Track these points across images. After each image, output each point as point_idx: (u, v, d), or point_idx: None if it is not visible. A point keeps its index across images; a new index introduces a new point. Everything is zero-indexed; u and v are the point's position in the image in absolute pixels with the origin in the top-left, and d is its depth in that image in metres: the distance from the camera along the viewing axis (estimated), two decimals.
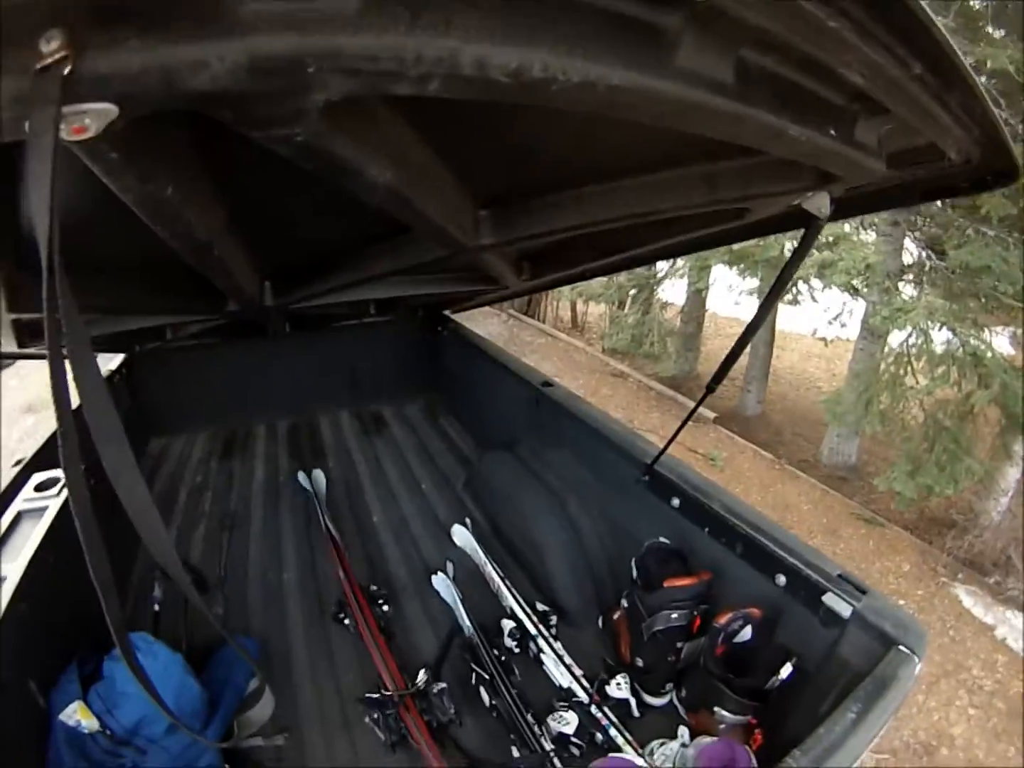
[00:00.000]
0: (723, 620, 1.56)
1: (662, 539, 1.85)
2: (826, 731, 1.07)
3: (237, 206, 1.17)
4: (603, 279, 8.00)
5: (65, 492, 1.62)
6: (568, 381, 6.08)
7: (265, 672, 1.70)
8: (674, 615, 1.66)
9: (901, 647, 1.24)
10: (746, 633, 1.58)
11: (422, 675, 1.65)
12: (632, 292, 8.41)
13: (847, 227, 5.05)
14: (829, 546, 4.42)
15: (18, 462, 1.91)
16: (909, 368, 4.71)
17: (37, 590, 1.34)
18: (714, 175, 1.21)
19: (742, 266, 5.73)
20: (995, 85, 4.40)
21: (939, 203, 4.92)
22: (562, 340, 9.18)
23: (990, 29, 4.87)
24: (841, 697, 1.16)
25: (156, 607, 1.77)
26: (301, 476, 2.73)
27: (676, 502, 1.84)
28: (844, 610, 1.36)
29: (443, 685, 1.61)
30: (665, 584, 1.68)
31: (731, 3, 0.58)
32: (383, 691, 1.61)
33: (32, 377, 6.70)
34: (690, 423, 5.78)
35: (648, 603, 1.70)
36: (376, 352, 3.33)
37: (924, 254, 5.20)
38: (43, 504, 1.58)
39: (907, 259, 5.60)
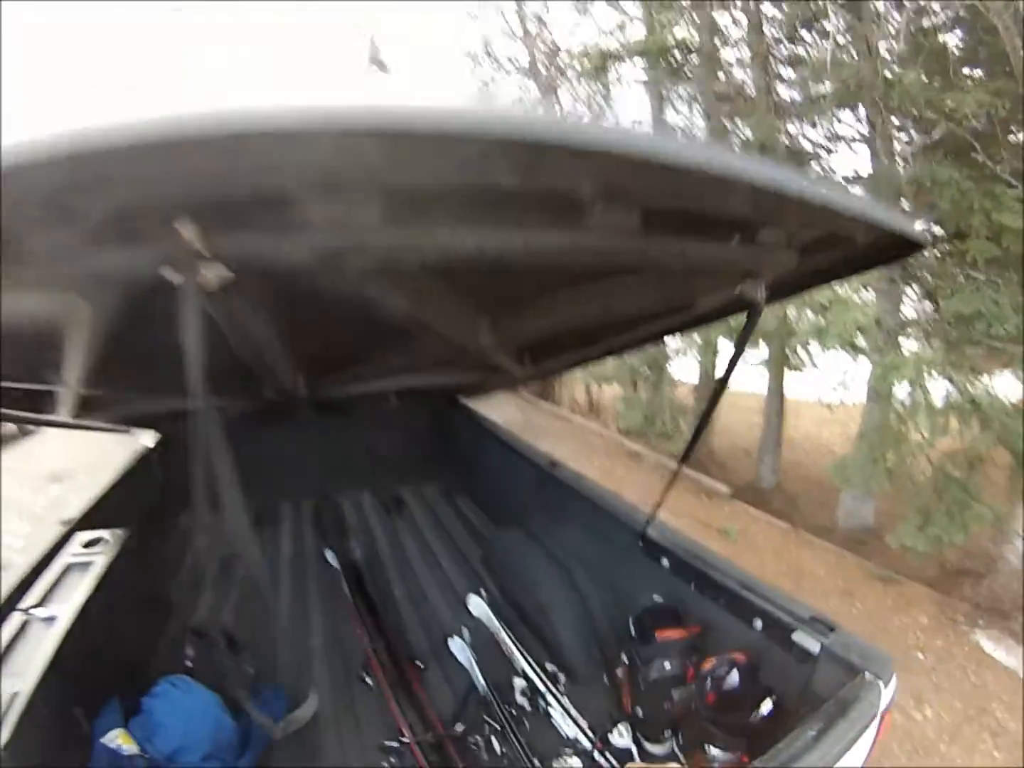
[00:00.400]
0: (708, 666, 1.71)
1: (656, 597, 2.03)
2: (785, 746, 1.20)
3: (289, 322, 1.51)
4: (615, 361, 8.35)
5: (112, 549, 1.90)
6: (584, 463, 6.26)
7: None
8: (667, 664, 1.81)
9: (865, 673, 1.38)
10: (734, 678, 1.71)
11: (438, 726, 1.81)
12: (644, 372, 8.70)
13: (840, 291, 5.28)
14: (845, 607, 4.40)
15: (66, 521, 2.17)
16: (911, 423, 4.78)
17: (85, 632, 1.57)
18: (660, 278, 1.50)
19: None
20: (968, 129, 4.65)
21: (931, 253, 5.17)
22: (577, 423, 9.44)
23: (966, 70, 5.15)
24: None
25: (189, 663, 1.95)
26: (328, 553, 2.94)
27: (666, 563, 2.03)
28: (813, 646, 1.51)
29: (459, 729, 1.77)
30: (657, 636, 1.85)
31: (629, 181, 0.87)
32: (401, 739, 1.77)
33: (58, 447, 7.09)
34: (705, 499, 5.95)
35: (643, 655, 1.85)
36: (396, 437, 3.61)
37: (923, 307, 5.40)
38: (90, 559, 1.84)
39: (912, 313, 5.79)
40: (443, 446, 3.73)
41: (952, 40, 5.53)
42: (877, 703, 1.32)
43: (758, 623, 1.68)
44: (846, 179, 6.42)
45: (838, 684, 1.40)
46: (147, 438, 3.08)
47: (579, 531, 2.49)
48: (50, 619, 1.55)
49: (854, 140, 6.45)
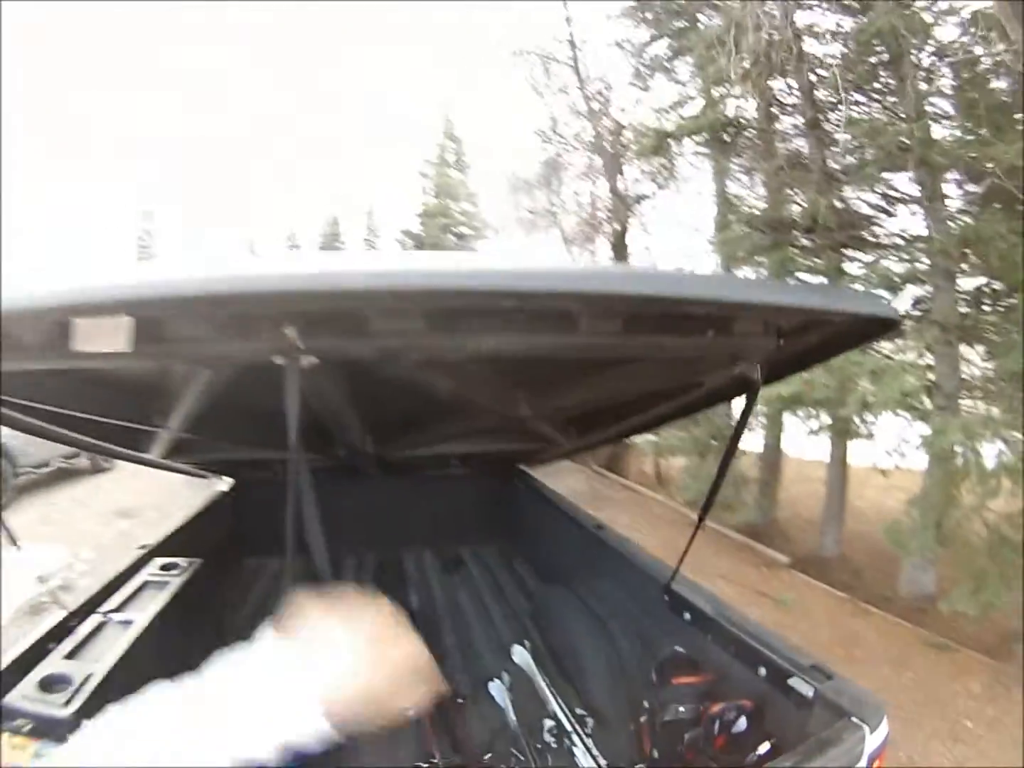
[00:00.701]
0: (716, 709, 1.85)
1: (677, 648, 2.19)
2: None
3: (360, 394, 1.90)
4: (681, 433, 8.43)
5: (186, 574, 2.25)
6: (645, 534, 6.30)
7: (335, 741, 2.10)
8: (681, 708, 1.95)
9: (851, 717, 1.47)
10: (741, 724, 1.85)
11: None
12: (711, 444, 8.70)
13: (895, 355, 5.23)
14: (895, 676, 4.23)
15: (143, 546, 2.53)
16: (963, 485, 4.65)
17: (155, 637, 1.88)
18: (659, 365, 1.78)
19: (802, 411, 6.02)
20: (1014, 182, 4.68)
21: (986, 308, 5.08)
22: (643, 494, 9.54)
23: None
24: None
25: None
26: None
27: (687, 615, 2.19)
28: (808, 691, 1.63)
29: (486, 758, 1.97)
30: (673, 681, 2.00)
31: (605, 304, 1.16)
32: (431, 760, 1.98)
33: (127, 484, 7.69)
34: (764, 568, 5.98)
35: (660, 698, 2.01)
36: (459, 500, 3.87)
37: (977, 367, 5.30)
38: (166, 580, 2.20)
39: (976, 372, 5.72)
40: (503, 511, 3.96)
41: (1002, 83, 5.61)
42: (860, 746, 1.41)
43: (762, 670, 1.82)
44: (903, 240, 6.45)
45: (828, 728, 1.48)
46: (223, 484, 3.51)
47: (615, 585, 2.68)
48: (126, 622, 1.88)
49: (908, 201, 6.50)
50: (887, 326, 1.50)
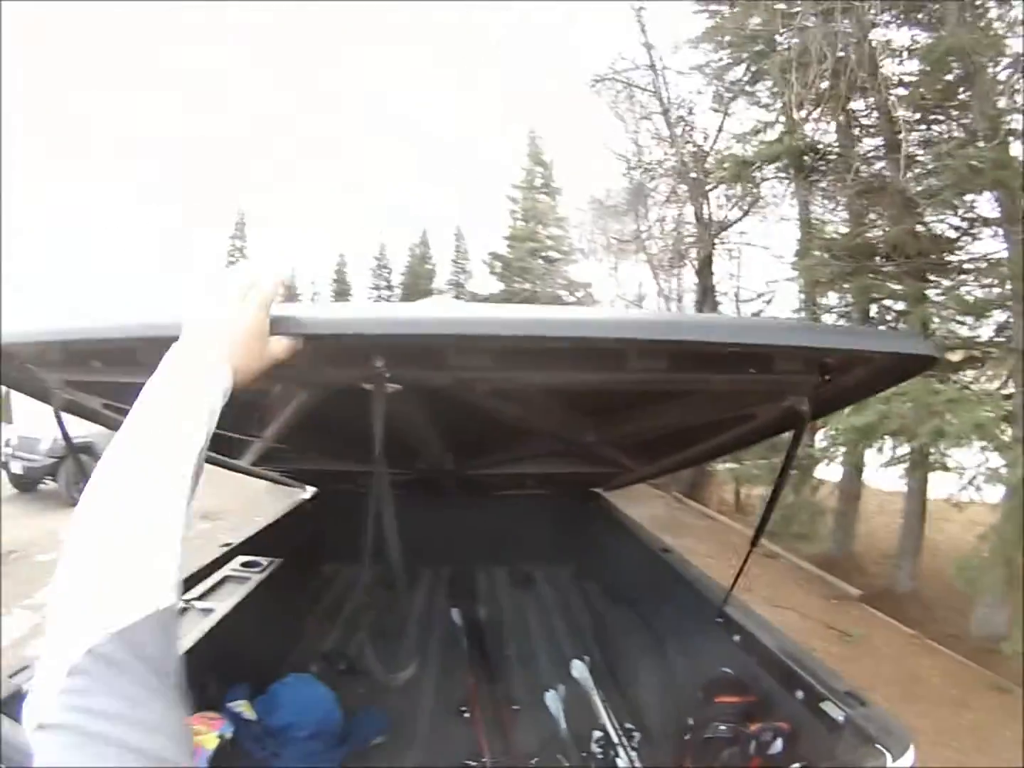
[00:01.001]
0: (754, 728, 1.94)
1: (725, 669, 2.28)
2: None
3: (438, 416, 2.16)
4: (760, 461, 8.28)
5: (266, 572, 2.50)
6: (720, 562, 6.28)
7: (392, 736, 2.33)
8: (721, 727, 2.05)
9: (876, 744, 1.52)
10: (778, 745, 1.93)
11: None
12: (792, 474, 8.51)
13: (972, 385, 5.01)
14: (953, 717, 4.01)
15: (226, 544, 2.80)
16: None
17: (233, 625, 2.11)
18: (707, 399, 1.91)
19: (878, 442, 5.87)
20: None
21: None
22: (720, 522, 9.51)
23: None
24: None
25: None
26: (454, 611, 3.44)
27: (737, 638, 2.29)
28: (839, 716, 1.70)
29: (533, 762, 2.13)
30: (716, 700, 2.11)
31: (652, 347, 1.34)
32: (481, 760, 2.16)
33: (209, 490, 8.19)
34: (834, 601, 5.92)
35: (702, 715, 2.11)
36: (531, 519, 4.00)
37: None
38: (247, 575, 2.46)
39: None
40: (576, 531, 4.08)
41: None
42: None
43: (800, 694, 1.90)
44: (986, 264, 6.20)
45: (855, 753, 1.54)
46: (307, 492, 3.82)
47: (675, 608, 2.78)
48: (207, 610, 2.13)
49: (992, 224, 6.25)
50: (928, 362, 1.52)
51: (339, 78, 71.68)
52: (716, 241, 13.65)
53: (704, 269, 13.79)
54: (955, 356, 6.53)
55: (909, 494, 6.99)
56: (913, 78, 6.74)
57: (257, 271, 0.89)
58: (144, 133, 57.66)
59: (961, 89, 6.16)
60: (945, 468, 5.48)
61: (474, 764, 2.16)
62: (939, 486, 6.31)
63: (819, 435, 7.47)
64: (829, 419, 5.50)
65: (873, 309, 7.84)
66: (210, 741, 1.67)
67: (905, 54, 6.87)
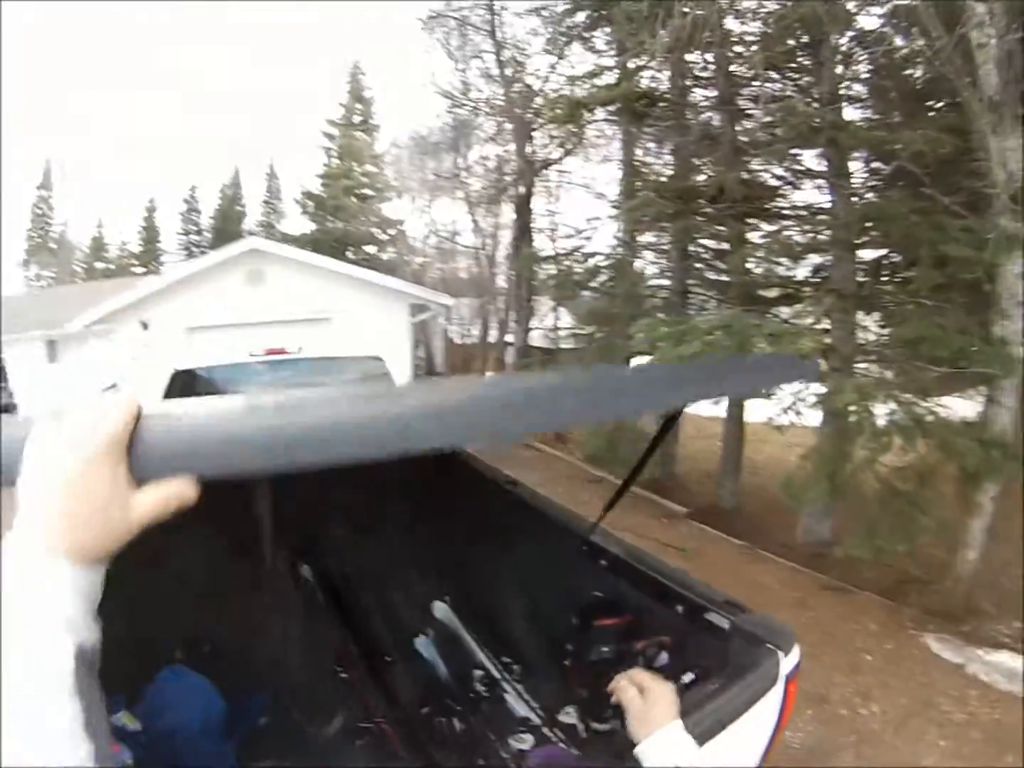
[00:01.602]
0: (639, 646, 1.97)
1: (596, 593, 2.29)
2: (685, 699, 1.44)
3: None
4: None
5: None
6: (551, 489, 6.46)
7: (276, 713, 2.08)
8: (604, 648, 2.06)
9: (767, 644, 1.59)
10: (663, 658, 1.97)
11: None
12: None
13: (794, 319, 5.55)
14: (796, 617, 4.61)
15: None
16: (855, 442, 5.06)
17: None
18: None
19: None
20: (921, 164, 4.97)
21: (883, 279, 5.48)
22: (546, 452, 9.82)
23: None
24: None
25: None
26: (304, 568, 3.14)
27: (604, 563, 2.29)
28: (724, 624, 1.77)
29: (424, 712, 2.00)
30: (595, 623, 2.10)
31: None
32: (373, 719, 1.99)
33: None
34: (664, 520, 6.18)
35: (583, 641, 2.10)
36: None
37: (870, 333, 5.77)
38: None
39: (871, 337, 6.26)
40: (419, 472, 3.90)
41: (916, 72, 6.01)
42: (776, 668, 1.54)
43: (680, 608, 1.94)
44: (807, 212, 6.82)
45: (744, 656, 1.61)
46: None
47: (533, 540, 2.73)
48: None
49: (814, 176, 6.84)
50: None
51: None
52: (536, 179, 13.88)
53: (523, 207, 13.94)
54: (771, 293, 7.24)
55: (728, 419, 7.70)
56: (755, 38, 7.04)
57: (99, 405, 0.55)
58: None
59: (801, 54, 6.58)
60: (767, 396, 6.08)
61: (368, 726, 1.98)
62: (757, 411, 7.01)
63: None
64: (656, 349, 5.78)
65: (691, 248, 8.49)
66: None
67: (750, 15, 7.13)
